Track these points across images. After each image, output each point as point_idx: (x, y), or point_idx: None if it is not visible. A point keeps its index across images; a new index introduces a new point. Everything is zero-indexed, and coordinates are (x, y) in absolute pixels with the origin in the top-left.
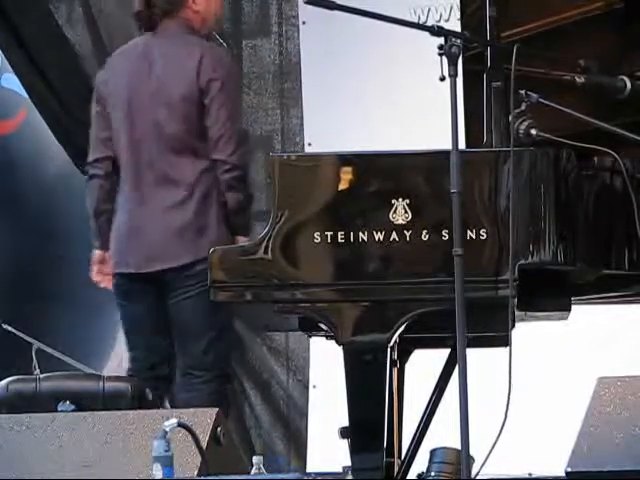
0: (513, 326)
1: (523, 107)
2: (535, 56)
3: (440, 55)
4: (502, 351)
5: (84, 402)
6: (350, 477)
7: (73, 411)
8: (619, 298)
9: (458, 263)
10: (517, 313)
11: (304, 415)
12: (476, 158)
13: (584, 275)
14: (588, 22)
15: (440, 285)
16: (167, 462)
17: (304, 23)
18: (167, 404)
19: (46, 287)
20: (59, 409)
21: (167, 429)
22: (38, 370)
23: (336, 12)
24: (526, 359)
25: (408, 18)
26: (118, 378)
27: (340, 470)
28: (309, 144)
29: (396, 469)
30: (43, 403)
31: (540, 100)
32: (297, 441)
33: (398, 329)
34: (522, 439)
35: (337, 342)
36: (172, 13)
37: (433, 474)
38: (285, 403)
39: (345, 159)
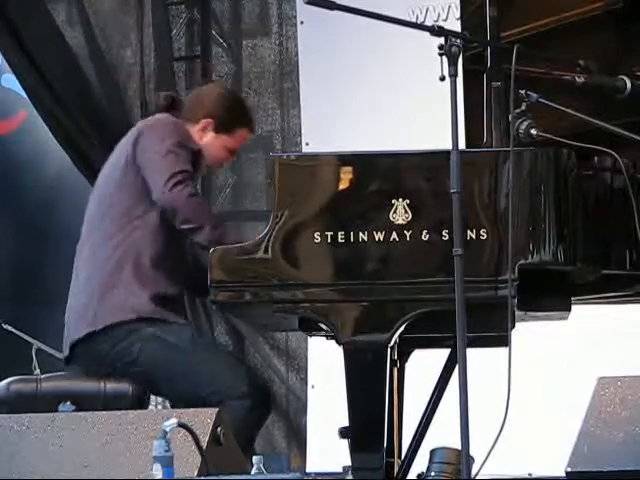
0: (513, 326)
1: (523, 107)
2: (535, 56)
3: (440, 55)
4: (502, 351)
5: (85, 402)
6: (350, 477)
7: (73, 411)
8: (619, 298)
9: (458, 263)
10: (517, 313)
11: (305, 413)
12: (476, 158)
13: (584, 275)
14: (588, 22)
15: (440, 285)
16: (167, 462)
17: (302, 23)
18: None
19: (46, 287)
20: (60, 409)
21: (167, 429)
22: (38, 370)
23: (334, 12)
24: (526, 359)
25: (406, 17)
26: (119, 379)
27: (340, 470)
28: (307, 144)
29: (396, 469)
30: (44, 403)
31: (540, 100)
32: (298, 439)
33: (398, 329)
34: (522, 439)
35: (337, 342)
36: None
37: (433, 474)
38: (287, 401)
39: (345, 159)
